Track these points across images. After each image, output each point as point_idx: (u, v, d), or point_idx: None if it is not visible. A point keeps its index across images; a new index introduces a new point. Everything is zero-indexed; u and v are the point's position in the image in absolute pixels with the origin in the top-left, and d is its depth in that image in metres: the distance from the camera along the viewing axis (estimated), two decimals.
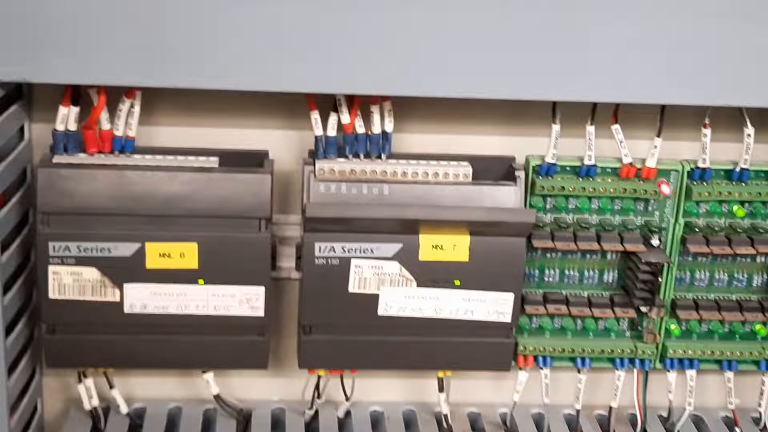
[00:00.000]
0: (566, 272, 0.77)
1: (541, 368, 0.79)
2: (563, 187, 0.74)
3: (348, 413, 0.81)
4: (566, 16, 0.66)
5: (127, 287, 0.71)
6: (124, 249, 0.70)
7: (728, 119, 0.73)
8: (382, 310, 0.73)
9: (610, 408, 0.80)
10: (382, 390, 0.83)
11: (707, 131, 0.73)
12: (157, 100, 0.74)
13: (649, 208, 0.76)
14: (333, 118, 0.72)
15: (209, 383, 0.78)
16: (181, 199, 0.70)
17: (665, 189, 0.74)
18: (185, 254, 0.71)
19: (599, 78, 0.68)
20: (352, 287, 0.72)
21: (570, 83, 0.68)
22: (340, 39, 0.64)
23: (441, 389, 0.79)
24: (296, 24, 0.64)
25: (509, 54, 0.66)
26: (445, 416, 0.80)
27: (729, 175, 0.75)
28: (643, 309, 0.76)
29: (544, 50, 0.66)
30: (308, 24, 0.64)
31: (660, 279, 0.75)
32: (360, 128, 0.72)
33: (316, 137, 0.72)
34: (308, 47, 0.64)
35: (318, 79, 0.65)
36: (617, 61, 0.67)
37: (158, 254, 0.71)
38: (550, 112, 0.72)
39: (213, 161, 0.73)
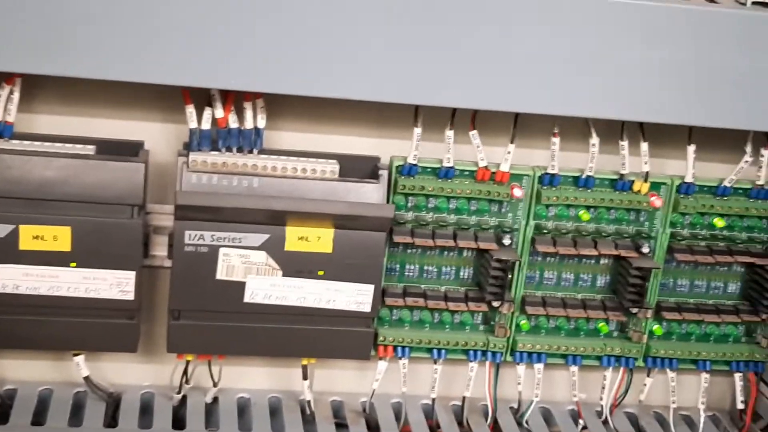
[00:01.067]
0: (425, 268, 0.82)
1: (400, 358, 0.83)
2: (423, 187, 0.79)
3: (215, 399, 0.85)
4: (431, 23, 0.71)
5: (0, 268, 0.73)
6: None
7: (578, 129, 0.80)
8: (248, 298, 0.76)
9: (464, 398, 0.86)
10: (249, 377, 0.86)
11: (556, 140, 0.79)
12: (37, 88, 0.76)
13: (503, 210, 0.81)
14: (207, 113, 0.75)
15: (80, 366, 0.81)
16: (56, 184, 0.73)
17: (517, 192, 0.80)
18: (58, 237, 0.74)
19: (458, 85, 0.73)
20: (220, 274, 0.76)
21: (431, 88, 0.73)
22: (214, 35, 0.68)
23: (305, 377, 0.83)
24: (173, 18, 0.67)
25: (375, 57, 0.71)
26: (309, 403, 0.84)
27: (576, 181, 0.81)
28: (495, 304, 0.81)
29: (409, 56, 0.71)
30: (184, 18, 0.67)
31: (511, 276, 0.81)
32: (233, 123, 0.76)
33: (190, 130, 0.76)
34: (184, 42, 0.68)
35: (192, 73, 0.69)
36: (476, 69, 0.72)
37: (32, 236, 0.73)
38: (413, 115, 0.78)
39: (90, 149, 0.76)
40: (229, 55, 0.69)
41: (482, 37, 0.71)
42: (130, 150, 0.77)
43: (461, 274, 0.83)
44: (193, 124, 0.75)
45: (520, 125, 0.79)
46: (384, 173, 0.78)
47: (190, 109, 0.75)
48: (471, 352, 0.84)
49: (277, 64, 0.70)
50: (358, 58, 0.71)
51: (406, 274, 0.82)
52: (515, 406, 0.87)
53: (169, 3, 0.66)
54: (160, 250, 0.80)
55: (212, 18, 0.68)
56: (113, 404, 0.83)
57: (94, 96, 0.78)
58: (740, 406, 0.88)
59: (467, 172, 0.80)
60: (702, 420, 0.88)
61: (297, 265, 0.76)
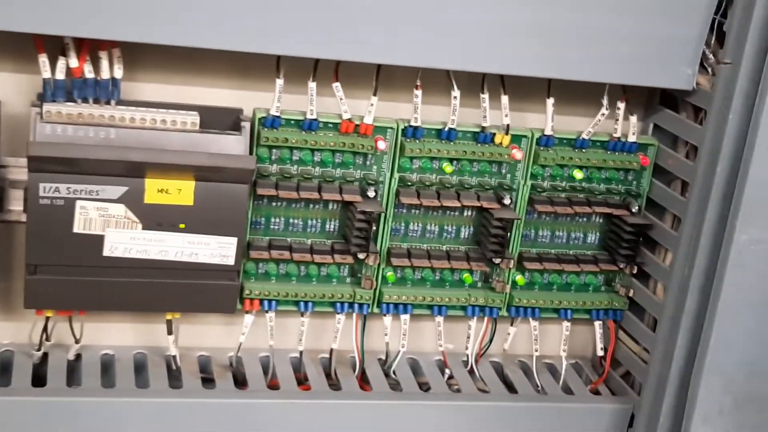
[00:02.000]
0: (291, 221, 0.82)
1: (267, 311, 0.83)
2: (287, 139, 0.78)
3: (78, 356, 0.83)
4: None
5: None
6: None
7: (441, 82, 0.80)
8: (107, 251, 0.75)
9: (332, 350, 0.86)
10: (113, 333, 0.85)
11: (418, 92, 0.79)
12: None
13: (368, 163, 0.82)
14: (62, 62, 0.73)
15: None
16: None
17: (381, 145, 0.81)
18: None
19: (320, 35, 0.73)
20: (77, 228, 0.74)
21: (293, 38, 0.73)
22: None
23: (170, 332, 0.82)
24: None
25: (236, 4, 0.70)
26: (174, 358, 0.83)
27: (439, 134, 0.82)
28: (361, 256, 0.82)
29: (271, 4, 0.71)
30: None
31: (375, 228, 0.81)
32: (89, 73, 0.74)
33: (44, 80, 0.73)
34: None
35: (43, 20, 0.67)
36: (338, 19, 0.72)
37: None
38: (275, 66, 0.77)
39: None
40: (82, 0, 0.67)
41: None
42: None
43: (327, 226, 0.83)
44: (47, 74, 0.73)
45: (385, 78, 0.79)
46: (246, 125, 0.77)
47: (43, 59, 0.73)
48: (338, 305, 0.84)
49: (134, 11, 0.68)
50: (219, 5, 0.70)
51: (272, 227, 0.82)
52: (383, 357, 0.89)
53: None
54: (16, 204, 0.78)
55: None
56: None
57: None
58: (600, 353, 0.91)
59: (331, 125, 0.80)
60: (564, 367, 0.90)
61: (157, 218, 0.75)
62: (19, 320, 0.83)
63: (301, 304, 0.84)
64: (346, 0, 0.72)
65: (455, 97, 0.80)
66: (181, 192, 0.75)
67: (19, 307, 0.81)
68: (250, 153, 0.78)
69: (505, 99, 0.81)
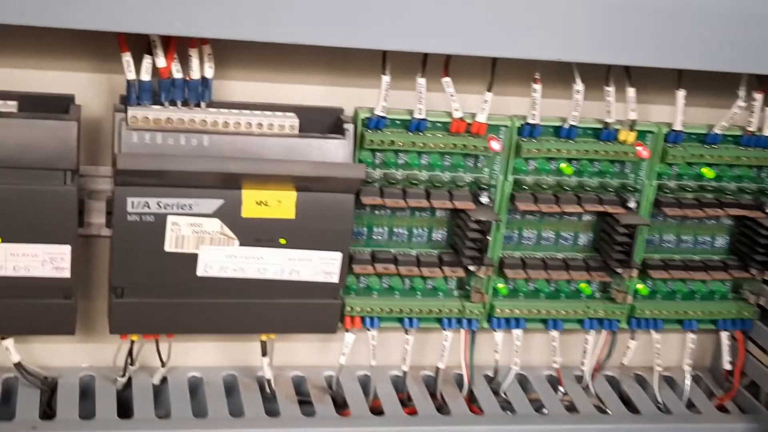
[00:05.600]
0: (395, 230, 0.75)
1: (369, 329, 0.76)
2: (393, 142, 0.71)
3: (164, 380, 0.76)
4: None
5: None
6: None
7: (558, 75, 0.72)
8: (201, 271, 0.68)
9: (437, 369, 0.79)
10: (200, 354, 0.78)
11: (537, 87, 0.71)
12: None
13: (479, 165, 0.74)
14: (147, 61, 0.66)
15: (9, 350, 0.71)
16: None
17: (495, 145, 0.73)
18: None
19: (429, 27, 0.65)
20: (169, 246, 0.67)
21: (399, 32, 0.65)
22: None
23: (264, 353, 0.75)
24: None
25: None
26: (269, 381, 0.76)
27: (557, 131, 0.74)
28: (472, 268, 0.74)
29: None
30: None
31: (489, 237, 0.74)
32: (177, 73, 0.67)
33: (128, 82, 0.66)
34: None
35: (129, 18, 0.59)
36: (448, 10, 0.64)
37: None
38: (380, 61, 0.69)
39: (11, 105, 0.66)
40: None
41: None
42: (59, 105, 0.67)
43: (434, 235, 0.76)
44: (131, 75, 0.66)
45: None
46: (350, 127, 0.69)
47: (127, 58, 0.65)
48: (445, 320, 0.77)
49: (226, 6, 0.61)
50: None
51: (374, 237, 0.75)
52: (490, 374, 0.81)
53: None
54: (96, 217, 0.71)
55: None
56: (48, 391, 0.74)
57: (13, 43, 0.67)
58: (727, 366, 0.83)
59: (440, 124, 0.72)
60: (688, 382, 0.83)
61: (256, 233, 0.68)
62: (99, 342, 0.76)
63: (406, 320, 0.76)
64: None
65: (578, 92, 0.72)
66: (281, 204, 0.68)
67: (99, 328, 0.75)
68: (353, 156, 0.71)
69: (631, 92, 0.73)
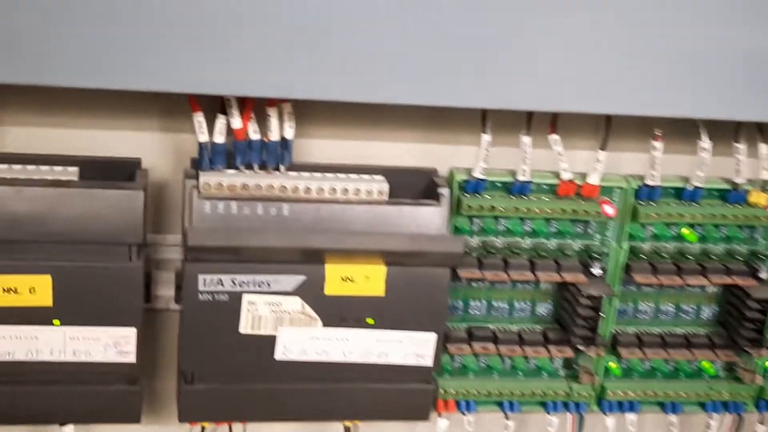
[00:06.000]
0: (494, 304, 0.67)
1: (464, 414, 0.68)
2: (493, 207, 0.63)
3: None
4: (499, 15, 0.55)
5: None
6: None
7: (678, 129, 0.64)
8: (279, 354, 0.61)
9: None
10: None
11: (658, 144, 0.63)
12: (5, 95, 0.60)
13: (590, 231, 0.66)
14: (221, 122, 0.59)
15: None
16: (31, 221, 0.56)
17: (608, 209, 0.64)
18: (36, 289, 0.57)
19: (538, 84, 0.57)
20: (244, 328, 0.60)
21: (505, 89, 0.57)
22: (230, 30, 0.52)
23: None
24: (177, 13, 0.51)
25: (434, 55, 0.55)
26: None
27: (679, 193, 0.66)
28: (581, 347, 0.66)
29: (473, 52, 0.55)
30: (190, 13, 0.51)
31: (602, 314, 0.65)
32: (254, 134, 0.60)
33: (200, 144, 0.59)
34: (193, 41, 0.52)
35: (203, 79, 0.53)
36: (560, 64, 0.57)
37: (1, 289, 0.57)
38: (478, 116, 0.62)
39: (72, 172, 0.59)
40: (249, 53, 0.53)
41: (567, 26, 0.56)
42: (124, 170, 0.60)
43: (538, 309, 0.68)
44: (203, 137, 0.59)
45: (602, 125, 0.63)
46: (445, 192, 0.62)
47: (199, 118, 0.59)
48: (550, 404, 0.68)
49: (314, 65, 0.54)
50: (415, 55, 0.55)
51: (471, 312, 0.67)
52: None
53: None
54: (164, 289, 0.65)
55: (227, 10, 0.51)
56: None
57: (74, 102, 0.61)
58: None
59: (546, 186, 0.64)
60: None
61: (340, 313, 0.60)
62: (166, 426, 0.69)
63: (506, 403, 0.68)
64: (567, 42, 0.56)
65: (704, 149, 0.63)
66: (369, 280, 0.60)
67: (167, 412, 0.68)
68: (448, 224, 0.63)
69: (764, 149, 0.64)
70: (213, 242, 0.57)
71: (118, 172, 0.60)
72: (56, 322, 0.58)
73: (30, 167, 0.59)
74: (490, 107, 0.59)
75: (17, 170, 0.59)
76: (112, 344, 0.59)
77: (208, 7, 0.51)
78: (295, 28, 0.53)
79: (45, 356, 0.59)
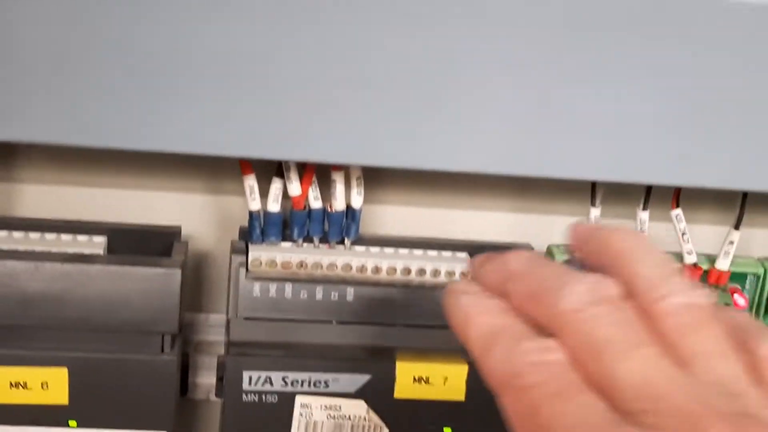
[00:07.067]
0: None
1: None
2: None
3: None
4: (610, 78, 0.44)
5: None
6: None
7: None
8: None
9: None
10: None
11: None
12: (19, 149, 0.51)
13: None
14: (277, 186, 0.49)
15: None
16: (46, 302, 0.47)
17: (740, 300, 0.53)
18: (49, 384, 0.48)
19: (653, 156, 0.47)
20: None
21: (618, 160, 0.46)
22: (289, 86, 0.42)
23: None
24: (233, 72, 0.41)
25: (533, 123, 0.45)
26: None
27: None
28: None
29: (580, 120, 0.45)
30: (244, 60, 0.41)
31: None
32: (315, 202, 0.50)
33: (250, 213, 0.50)
34: (248, 104, 0.42)
35: (257, 143, 0.43)
36: (684, 132, 0.46)
37: (8, 384, 0.48)
38: (577, 183, 0.52)
39: (98, 243, 0.50)
40: (314, 116, 0.43)
41: (686, 85, 0.45)
42: (160, 241, 0.51)
43: None
44: (255, 204, 0.49)
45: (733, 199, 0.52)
46: None
47: (251, 182, 0.49)
48: None
49: (392, 130, 0.43)
50: (513, 123, 0.44)
51: None
52: None
53: (228, 51, 0.40)
54: (204, 376, 0.55)
55: (286, 62, 0.42)
56: None
57: (102, 157, 0.52)
58: None
59: None
60: None
61: (412, 419, 0.50)
62: None
63: None
64: (693, 105, 0.45)
65: None
66: (447, 381, 0.50)
67: None
68: None
69: None
70: (261, 337, 0.47)
71: (153, 243, 0.51)
72: (72, 423, 0.49)
73: (49, 236, 0.50)
74: (602, 180, 0.48)
75: (34, 240, 0.50)
76: None
77: (260, 62, 0.41)
78: (365, 87, 0.43)
79: None
